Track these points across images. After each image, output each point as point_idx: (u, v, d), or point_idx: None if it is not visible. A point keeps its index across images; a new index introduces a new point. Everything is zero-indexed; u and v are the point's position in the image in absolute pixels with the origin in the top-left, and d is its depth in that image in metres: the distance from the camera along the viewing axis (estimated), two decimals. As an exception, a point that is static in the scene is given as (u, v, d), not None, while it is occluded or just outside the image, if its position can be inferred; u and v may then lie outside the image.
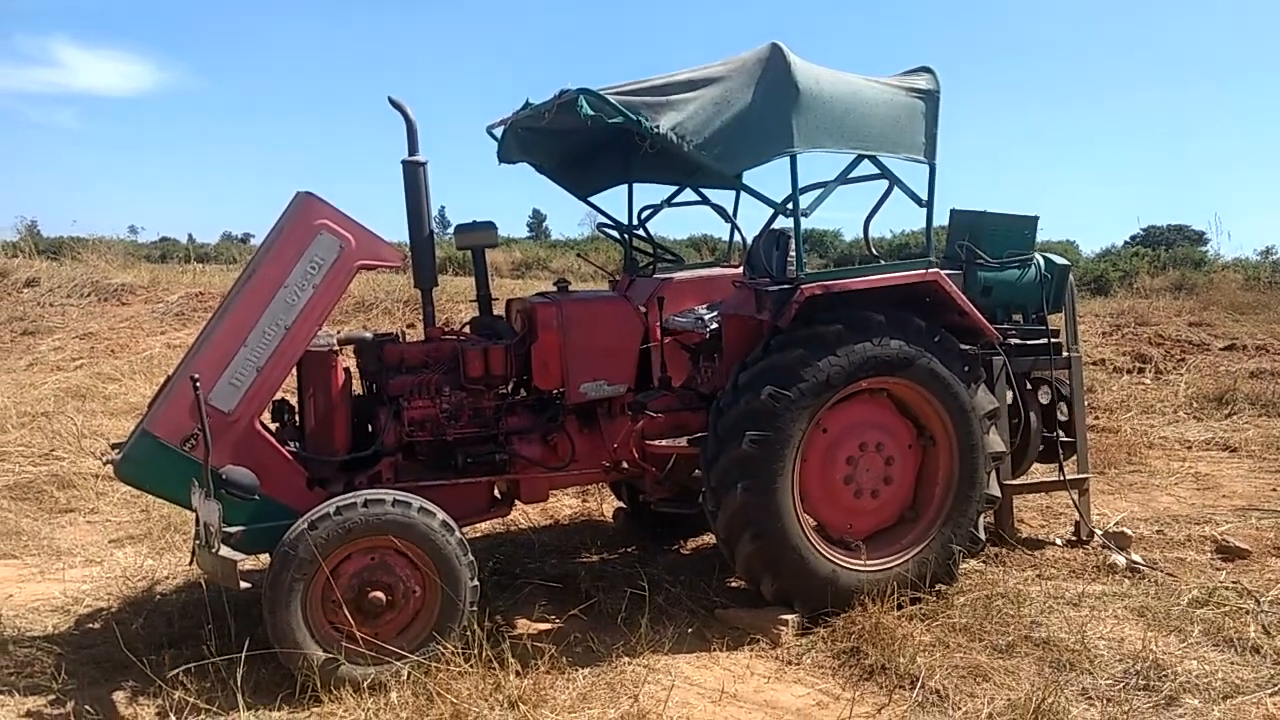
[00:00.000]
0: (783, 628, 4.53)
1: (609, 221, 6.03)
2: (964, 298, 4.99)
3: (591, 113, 4.25)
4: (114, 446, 4.45)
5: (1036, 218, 5.85)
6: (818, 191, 4.91)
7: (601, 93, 4.28)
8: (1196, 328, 12.81)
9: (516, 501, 5.14)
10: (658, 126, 4.33)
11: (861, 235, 5.33)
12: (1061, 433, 5.96)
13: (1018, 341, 5.75)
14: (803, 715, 3.87)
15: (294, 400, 4.83)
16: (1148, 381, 11.06)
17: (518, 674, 3.92)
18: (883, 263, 5.07)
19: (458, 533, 4.15)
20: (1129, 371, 11.40)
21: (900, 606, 4.62)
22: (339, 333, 4.98)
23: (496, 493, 5.06)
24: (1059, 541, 5.89)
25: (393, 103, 4.71)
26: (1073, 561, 5.52)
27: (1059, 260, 5.94)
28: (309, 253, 4.34)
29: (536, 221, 58.89)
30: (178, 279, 15.30)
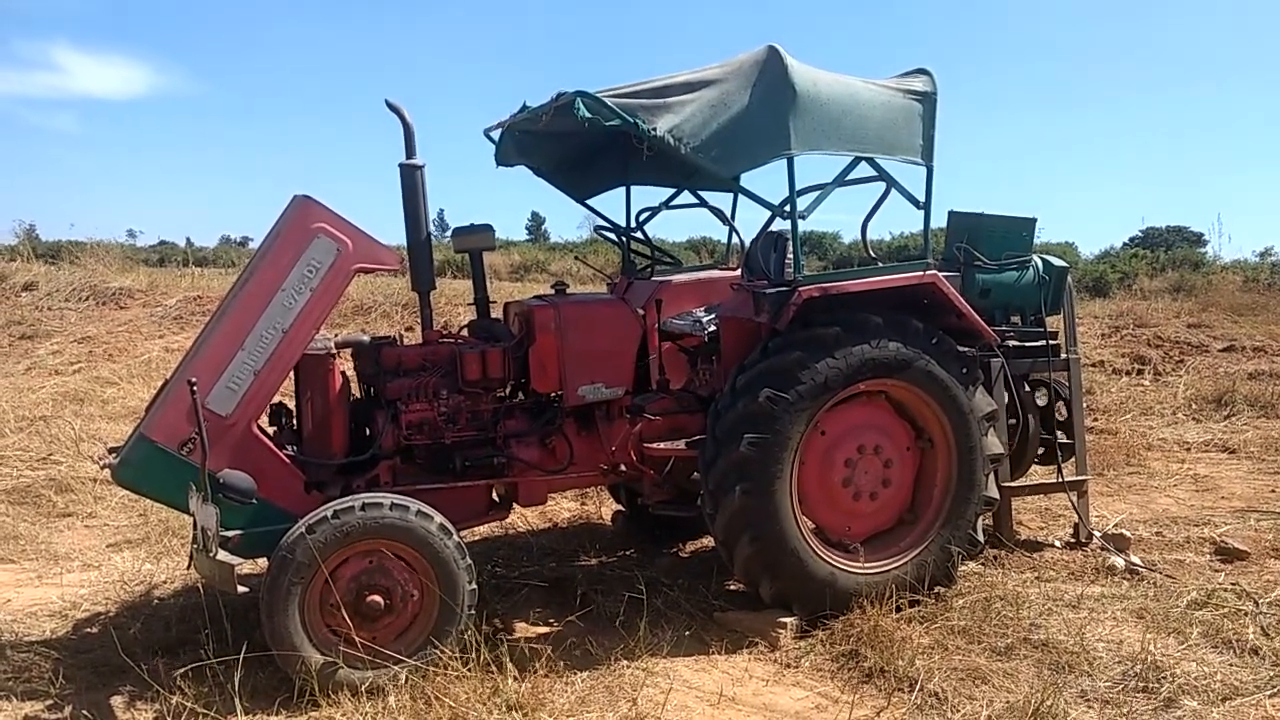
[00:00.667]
0: (781, 630, 4.52)
1: (607, 224, 6.04)
2: (962, 300, 4.99)
3: (589, 115, 4.25)
4: (112, 451, 4.44)
5: (1034, 219, 5.86)
6: (815, 194, 4.91)
7: (599, 95, 4.28)
8: (1195, 329, 12.82)
9: (514, 505, 5.13)
10: (655, 129, 4.34)
11: (859, 237, 5.34)
12: (1060, 434, 5.96)
13: (1016, 343, 5.75)
14: (801, 718, 3.86)
15: (291, 404, 4.83)
16: (1146, 383, 11.07)
17: (516, 678, 3.92)
18: (881, 265, 5.07)
19: (456, 536, 4.14)
20: (1128, 373, 11.41)
21: (899, 609, 4.62)
22: (337, 336, 4.98)
23: (494, 496, 5.06)
24: (1058, 543, 5.89)
25: (390, 106, 4.71)
26: (1071, 563, 5.52)
27: (1057, 262, 5.94)
28: (306, 256, 4.33)
29: (535, 224, 58.94)
30: (176, 283, 15.28)
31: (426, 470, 4.77)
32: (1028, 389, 5.91)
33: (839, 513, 4.84)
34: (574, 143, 5.45)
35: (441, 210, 46.47)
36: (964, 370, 4.89)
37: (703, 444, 4.67)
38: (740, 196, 5.63)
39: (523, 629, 4.81)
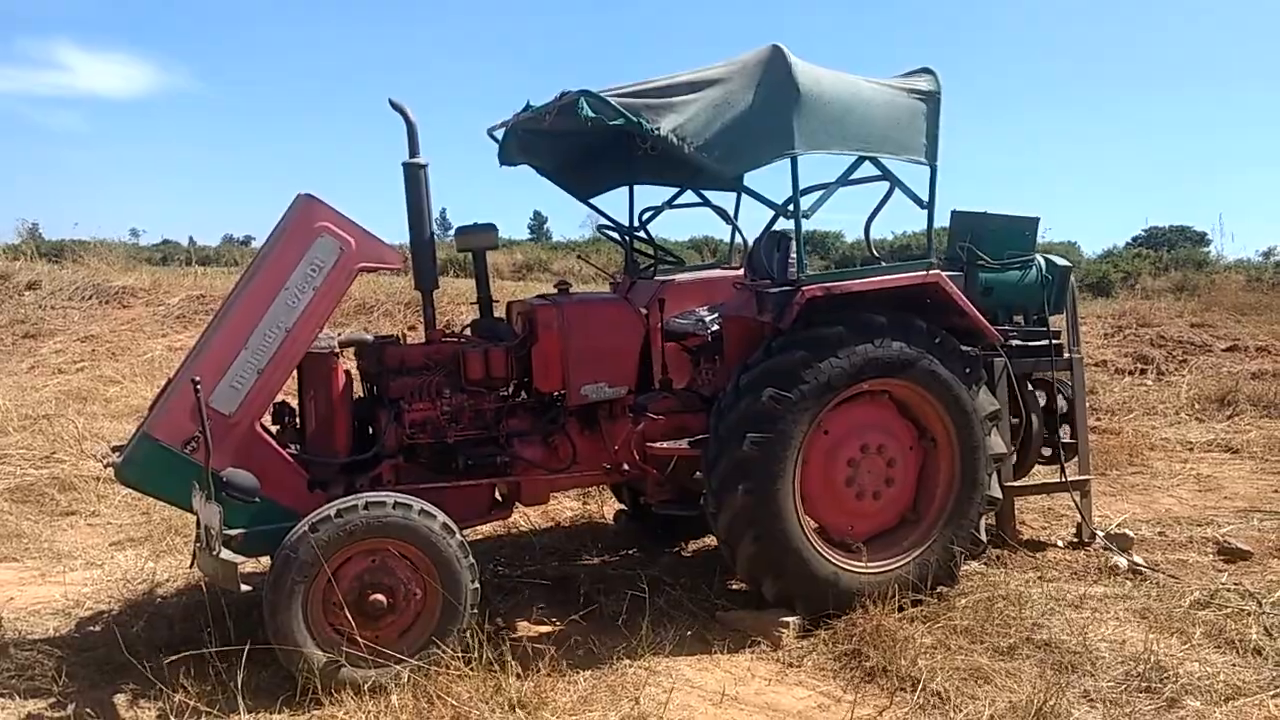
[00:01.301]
0: (784, 630, 4.52)
1: (610, 223, 6.03)
2: (965, 299, 4.99)
3: (592, 115, 4.25)
4: (115, 449, 4.45)
5: (1038, 219, 5.86)
6: (819, 193, 4.91)
7: (602, 95, 4.28)
8: (1198, 329, 12.81)
9: (517, 504, 5.13)
10: (658, 128, 4.33)
11: (863, 237, 5.33)
12: (1063, 434, 5.96)
13: (1019, 343, 5.75)
14: (804, 717, 3.86)
15: (295, 402, 4.83)
16: (1149, 383, 11.06)
17: (518, 676, 3.91)
18: (884, 264, 5.06)
19: (458, 535, 4.14)
20: (1130, 373, 11.41)
21: (901, 608, 4.61)
22: (340, 335, 4.98)
23: (497, 495, 5.05)
24: (1060, 543, 5.88)
25: (393, 105, 4.71)
26: (1074, 563, 5.51)
27: (1060, 261, 5.93)
28: (310, 255, 4.33)
29: (537, 223, 58.97)
30: (179, 281, 15.29)
31: (429, 469, 4.77)
32: (1030, 388, 5.91)
33: (842, 512, 4.84)
34: (577, 142, 5.45)
35: (444, 209, 46.54)
36: (967, 370, 4.89)
37: (705, 443, 4.67)
38: (744, 196, 5.65)
39: (525, 628, 4.81)
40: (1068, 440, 5.96)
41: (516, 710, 3.67)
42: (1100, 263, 25.37)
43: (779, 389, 4.46)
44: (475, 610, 4.15)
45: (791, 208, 4.68)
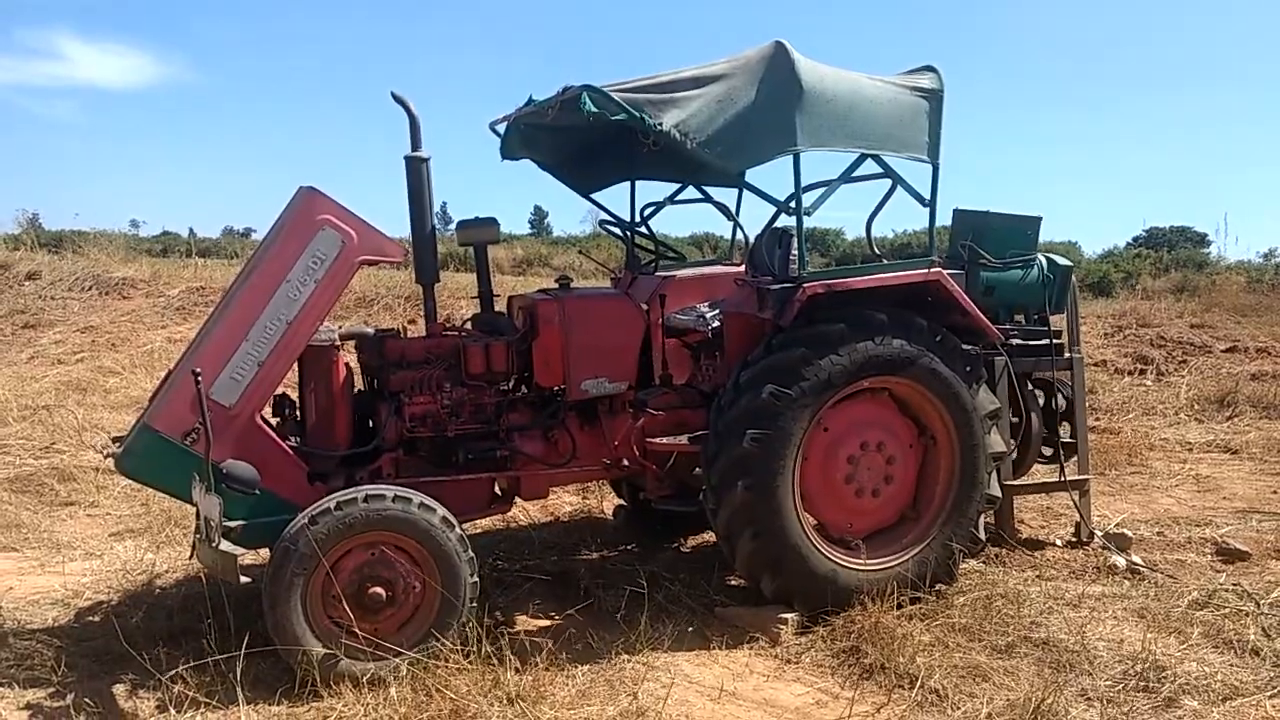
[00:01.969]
0: (782, 626, 4.52)
1: (611, 219, 6.03)
2: (966, 298, 4.99)
3: (595, 109, 4.25)
4: (115, 440, 4.45)
5: (1040, 218, 5.85)
6: (820, 190, 4.90)
7: (605, 89, 4.28)
8: (1198, 330, 12.81)
9: (517, 498, 5.14)
10: (661, 124, 4.33)
11: (864, 234, 5.32)
12: (1062, 433, 5.96)
13: (1019, 342, 5.75)
14: (802, 714, 3.87)
15: (295, 395, 4.83)
16: (1149, 383, 11.06)
17: (517, 670, 3.92)
18: (885, 262, 5.06)
19: (458, 529, 4.15)
20: (1130, 373, 11.41)
21: (900, 606, 4.62)
22: (340, 328, 4.98)
23: (497, 489, 5.06)
24: (1059, 542, 5.89)
25: (395, 98, 4.70)
26: (1073, 562, 5.52)
27: (1061, 261, 5.93)
28: (311, 247, 4.33)
29: (538, 218, 58.81)
30: (179, 273, 15.27)
31: (429, 463, 4.78)
32: (1030, 387, 5.92)
33: (841, 509, 4.85)
34: (579, 137, 5.44)
35: (445, 203, 46.40)
36: (968, 368, 4.89)
37: (705, 439, 4.67)
38: (745, 192, 5.64)
39: (524, 622, 4.82)
40: (1067, 440, 5.96)
41: (515, 704, 3.68)
42: (1101, 263, 25.38)
43: (779, 386, 4.46)
44: (474, 604, 4.15)
45: (793, 204, 4.68)
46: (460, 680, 3.78)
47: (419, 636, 4.07)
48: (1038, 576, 5.26)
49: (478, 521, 5.51)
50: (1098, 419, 9.35)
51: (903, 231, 25.56)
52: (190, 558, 4.59)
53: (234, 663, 3.77)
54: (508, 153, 5.40)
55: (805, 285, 4.58)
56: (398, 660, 3.97)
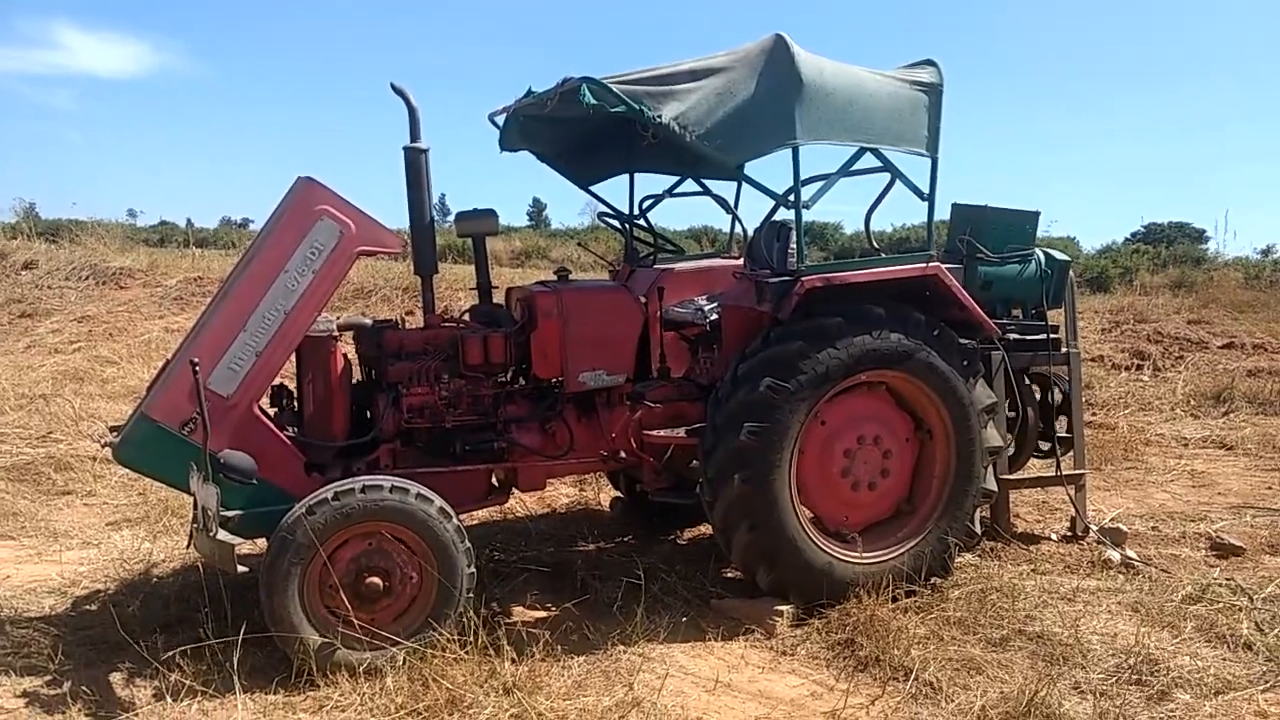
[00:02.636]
0: (778, 618, 4.54)
1: (610, 211, 6.03)
2: (964, 292, 4.99)
3: (594, 102, 4.24)
4: (113, 429, 4.45)
5: (1038, 213, 5.86)
6: (820, 184, 4.90)
7: (604, 82, 4.27)
8: (1195, 325, 12.83)
9: (514, 490, 5.15)
10: (660, 116, 4.33)
11: (863, 228, 5.33)
12: (1059, 428, 5.97)
13: (1017, 337, 5.76)
14: (797, 705, 3.88)
15: (293, 385, 4.83)
16: (1146, 378, 11.09)
17: (513, 661, 3.94)
18: (883, 256, 5.06)
19: (455, 520, 4.15)
20: (1127, 368, 11.43)
21: (895, 599, 4.63)
22: (338, 319, 4.98)
23: (494, 480, 5.07)
24: (1054, 537, 5.91)
25: (395, 88, 4.69)
26: (1068, 556, 5.54)
27: (1059, 256, 5.94)
28: (309, 238, 4.33)
29: (536, 210, 58.62)
30: (176, 263, 15.24)
31: (427, 454, 4.78)
32: (1028, 382, 5.93)
33: (837, 502, 4.86)
34: (579, 129, 5.44)
35: (443, 195, 46.30)
36: (965, 362, 4.90)
37: (702, 432, 4.68)
38: (744, 185, 5.64)
39: (520, 613, 4.83)
40: (1063, 434, 5.98)
41: (511, 694, 3.69)
42: (1099, 258, 25.38)
43: (777, 379, 4.47)
44: (471, 595, 4.16)
45: (792, 198, 4.68)
46: (456, 670, 3.79)
47: (416, 626, 4.08)
48: (1033, 570, 5.28)
49: (475, 513, 5.52)
50: (1094, 414, 9.37)
51: (901, 226, 25.51)
52: (187, 547, 4.60)
53: (231, 651, 3.78)
54: (507, 144, 5.40)
55: (804, 279, 4.58)
56: (394, 650, 3.98)
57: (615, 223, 6.11)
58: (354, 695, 3.76)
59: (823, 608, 4.60)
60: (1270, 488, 7.20)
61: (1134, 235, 32.11)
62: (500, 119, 5.27)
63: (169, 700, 3.74)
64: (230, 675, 3.74)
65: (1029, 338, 5.82)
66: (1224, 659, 4.14)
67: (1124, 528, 5.90)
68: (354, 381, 4.86)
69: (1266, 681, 3.90)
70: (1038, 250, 5.84)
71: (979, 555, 5.48)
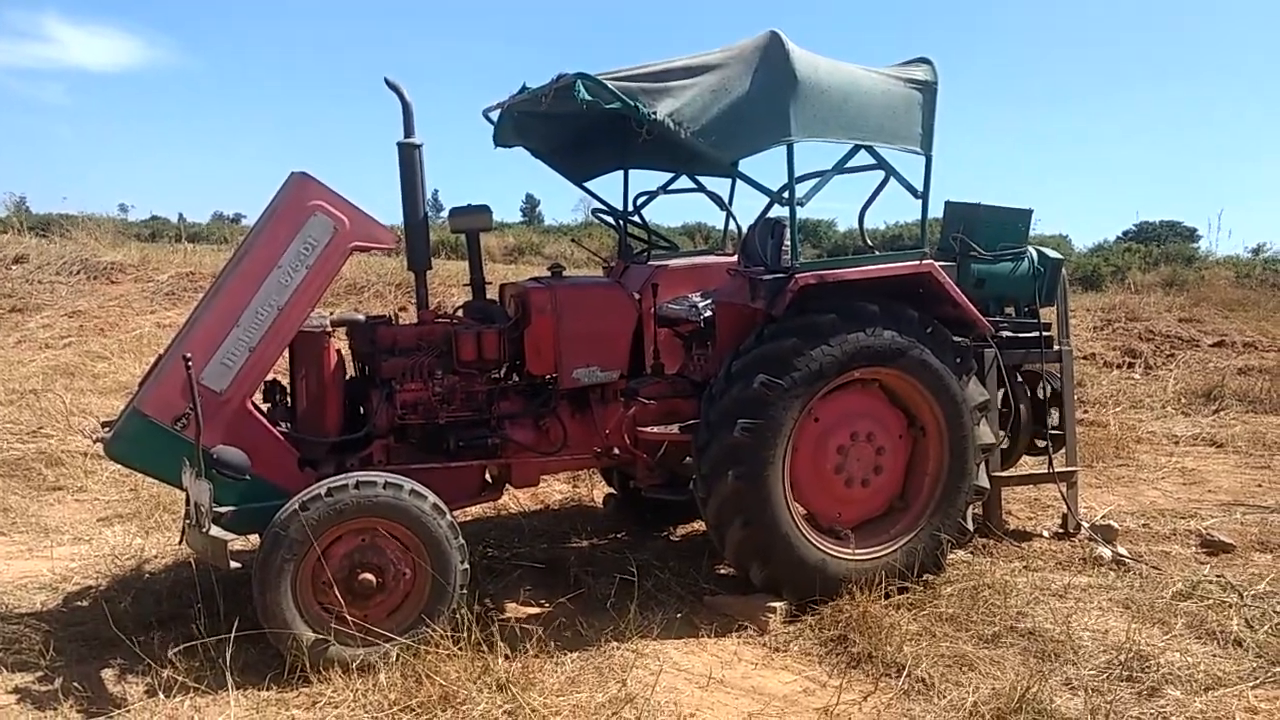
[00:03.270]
0: (771, 615, 4.55)
1: (604, 207, 6.02)
2: (957, 290, 5.00)
3: (589, 98, 4.24)
4: (105, 425, 4.43)
5: (1030, 211, 5.88)
6: (814, 181, 4.91)
7: (599, 78, 4.27)
8: (1187, 324, 12.89)
9: (507, 486, 5.14)
10: (655, 113, 4.33)
11: (857, 225, 5.34)
12: (1051, 425, 5.99)
13: (1009, 334, 5.78)
14: (789, 702, 3.89)
15: (286, 381, 4.82)
16: (1137, 376, 11.13)
17: (506, 657, 3.94)
18: (877, 253, 5.07)
19: (448, 516, 4.15)
20: (1119, 366, 11.48)
21: (888, 595, 4.64)
22: (332, 314, 4.97)
23: (488, 477, 5.07)
24: (1046, 533, 5.93)
25: (389, 84, 4.68)
26: (1059, 553, 5.56)
27: (1052, 254, 5.96)
28: (303, 233, 4.32)
29: (530, 206, 58.60)
30: (168, 258, 15.17)
31: (420, 450, 4.77)
32: (1020, 379, 5.95)
33: (830, 499, 4.87)
34: (573, 125, 5.42)
35: (436, 190, 46.13)
36: (958, 360, 4.91)
37: (696, 429, 4.69)
38: (738, 182, 5.63)
39: (514, 609, 4.84)
40: (1055, 431, 6.00)
41: (504, 690, 3.69)
42: (1091, 256, 25.47)
43: (770, 376, 4.47)
44: (464, 591, 4.16)
45: (786, 195, 4.68)
46: (450, 666, 3.80)
47: (409, 623, 4.07)
48: (1025, 567, 5.30)
49: (468, 509, 5.51)
50: (1085, 412, 9.40)
51: (895, 223, 25.59)
52: (180, 543, 4.59)
53: (223, 648, 3.78)
54: (501, 140, 5.39)
55: (797, 276, 4.59)
56: (388, 646, 3.98)
57: (609, 219, 6.10)
58: (347, 691, 3.76)
59: (816, 604, 4.61)
60: (1260, 485, 7.23)
61: (1126, 234, 32.21)
62: (495, 115, 5.26)
63: (161, 696, 3.73)
64: (223, 671, 3.73)
65: (1021, 335, 5.84)
66: (1214, 655, 4.16)
67: (1115, 525, 5.92)
68: (347, 377, 4.86)
69: (1256, 678, 3.93)
70: (1030, 248, 5.86)
71: (971, 552, 5.50)
